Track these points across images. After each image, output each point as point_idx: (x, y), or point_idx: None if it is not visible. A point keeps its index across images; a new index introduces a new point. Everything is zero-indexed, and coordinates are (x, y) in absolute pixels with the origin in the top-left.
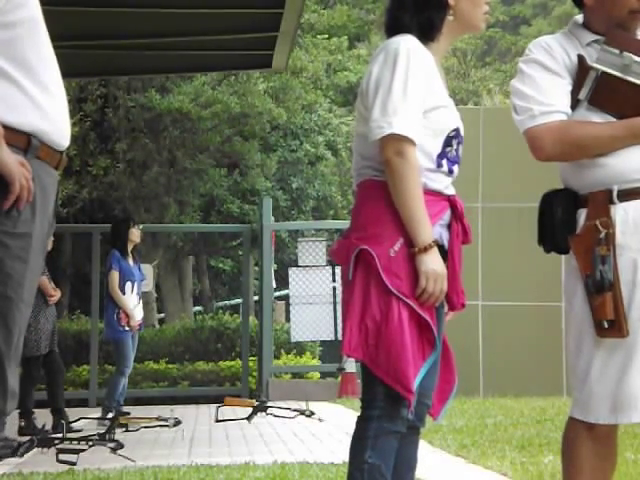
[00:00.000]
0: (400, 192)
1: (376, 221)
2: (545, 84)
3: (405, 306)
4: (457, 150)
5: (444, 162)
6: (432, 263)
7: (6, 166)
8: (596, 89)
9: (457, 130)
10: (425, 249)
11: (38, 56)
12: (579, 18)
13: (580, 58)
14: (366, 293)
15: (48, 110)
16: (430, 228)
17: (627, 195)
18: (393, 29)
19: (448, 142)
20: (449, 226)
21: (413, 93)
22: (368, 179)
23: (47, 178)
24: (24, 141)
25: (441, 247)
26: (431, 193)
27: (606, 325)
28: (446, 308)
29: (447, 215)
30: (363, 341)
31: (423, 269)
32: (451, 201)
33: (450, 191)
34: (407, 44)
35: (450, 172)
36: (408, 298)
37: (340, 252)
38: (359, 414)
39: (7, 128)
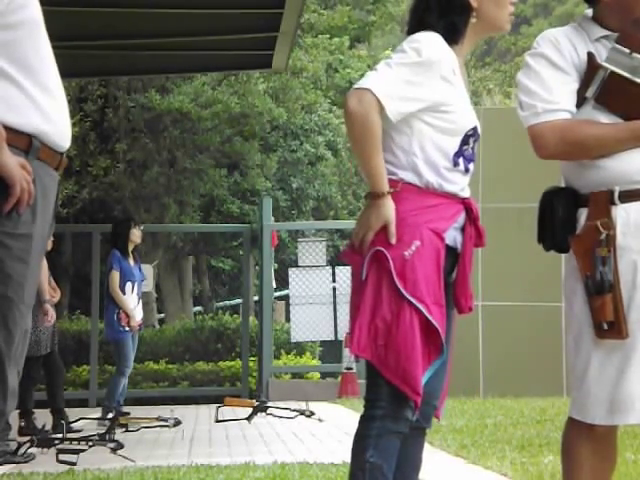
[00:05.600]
0: (356, 140)
1: None
2: (551, 81)
3: (416, 310)
4: (473, 148)
5: (461, 160)
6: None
7: (7, 168)
8: (603, 88)
9: (474, 129)
10: (382, 195)
11: (39, 57)
12: (589, 12)
13: (590, 56)
14: (378, 294)
15: (49, 111)
16: (385, 178)
17: (628, 196)
18: (416, 29)
19: (465, 140)
20: (463, 229)
21: (405, 69)
22: None
23: (48, 179)
24: (25, 142)
25: (454, 250)
26: (446, 196)
27: (606, 326)
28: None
29: (462, 218)
30: (372, 341)
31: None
32: (466, 204)
33: (466, 193)
34: (429, 36)
35: (466, 170)
36: (420, 302)
37: (352, 252)
38: (362, 413)
39: (8, 129)
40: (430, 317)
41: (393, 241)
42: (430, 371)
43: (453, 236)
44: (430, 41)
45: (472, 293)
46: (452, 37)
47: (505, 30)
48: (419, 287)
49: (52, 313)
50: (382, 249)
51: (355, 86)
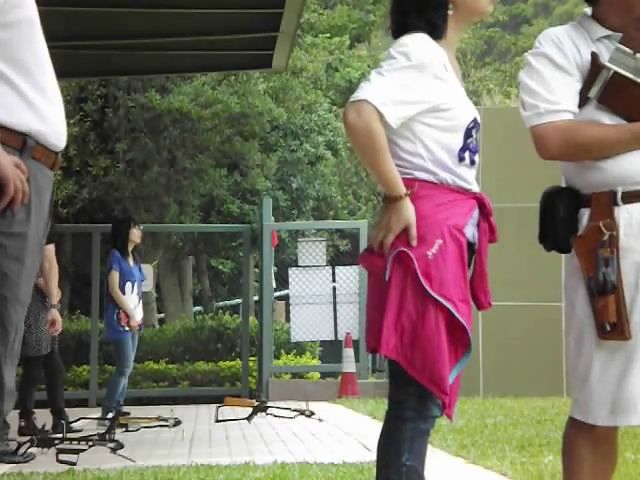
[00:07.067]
0: (363, 151)
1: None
2: (553, 81)
3: (442, 308)
4: (476, 139)
5: (466, 154)
6: (407, 210)
7: (0, 167)
8: (606, 89)
9: (475, 120)
10: (400, 198)
11: (34, 57)
12: (589, 10)
13: (593, 56)
14: (403, 294)
15: (44, 111)
16: (400, 182)
17: (631, 197)
18: (400, 32)
19: (468, 134)
20: (478, 225)
21: (397, 74)
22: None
23: (42, 178)
24: (19, 141)
25: (472, 245)
26: (460, 191)
27: (608, 327)
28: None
29: (476, 213)
30: (398, 341)
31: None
32: (478, 199)
33: (476, 188)
34: (415, 38)
35: (472, 163)
36: (448, 301)
37: (371, 255)
38: (389, 414)
39: (3, 128)
40: (458, 316)
41: (414, 243)
42: (458, 368)
43: (471, 232)
44: (417, 43)
45: (489, 289)
46: (435, 33)
47: (487, 13)
48: (446, 285)
49: (60, 321)
50: (406, 250)
51: (351, 99)
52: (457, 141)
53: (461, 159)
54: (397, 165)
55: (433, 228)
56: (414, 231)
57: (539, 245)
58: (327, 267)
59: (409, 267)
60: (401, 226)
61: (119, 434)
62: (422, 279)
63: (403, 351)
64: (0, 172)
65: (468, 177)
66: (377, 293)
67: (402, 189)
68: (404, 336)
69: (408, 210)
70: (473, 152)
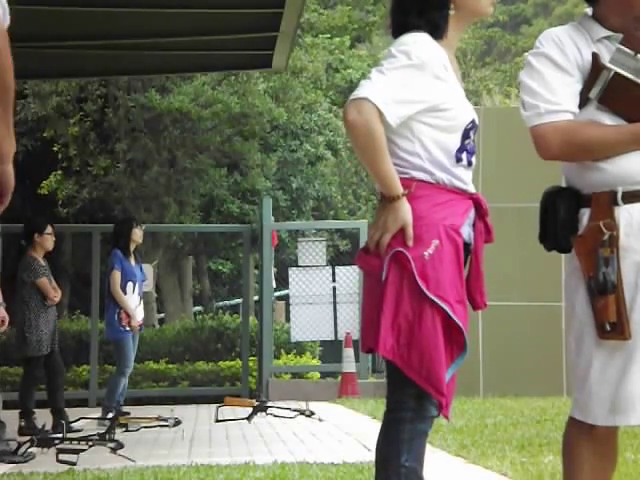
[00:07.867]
0: (362, 150)
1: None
2: (554, 82)
3: (439, 309)
4: (474, 140)
5: (464, 155)
6: (403, 211)
7: (9, 177)
8: (607, 89)
9: (473, 121)
10: (397, 198)
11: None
12: (589, 11)
13: (594, 56)
14: (399, 295)
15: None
16: (397, 181)
17: (631, 197)
18: (401, 31)
19: (466, 135)
20: (473, 225)
21: (397, 73)
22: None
23: None
24: None
25: (467, 246)
26: (456, 191)
27: (608, 327)
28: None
29: (472, 214)
30: (395, 341)
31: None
32: (475, 200)
33: (472, 189)
34: (416, 37)
35: (469, 164)
36: (444, 302)
37: (367, 255)
38: (388, 415)
39: None
40: (454, 317)
41: (410, 244)
42: (453, 369)
43: (467, 232)
44: (418, 42)
45: (485, 289)
46: (436, 33)
47: (488, 13)
48: (442, 286)
49: (8, 319)
50: (402, 250)
51: (351, 97)
52: (455, 142)
53: (458, 160)
54: (395, 164)
55: (430, 228)
56: (411, 231)
57: (539, 245)
58: (327, 267)
59: (405, 267)
60: (398, 226)
61: (119, 434)
62: (418, 279)
63: (400, 352)
64: (9, 182)
65: (465, 178)
66: (374, 293)
67: (399, 189)
68: (401, 336)
69: (405, 210)
70: (470, 153)
